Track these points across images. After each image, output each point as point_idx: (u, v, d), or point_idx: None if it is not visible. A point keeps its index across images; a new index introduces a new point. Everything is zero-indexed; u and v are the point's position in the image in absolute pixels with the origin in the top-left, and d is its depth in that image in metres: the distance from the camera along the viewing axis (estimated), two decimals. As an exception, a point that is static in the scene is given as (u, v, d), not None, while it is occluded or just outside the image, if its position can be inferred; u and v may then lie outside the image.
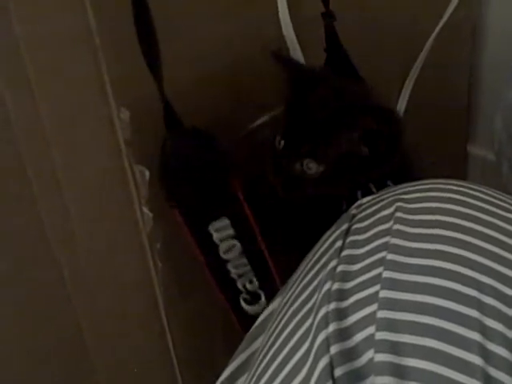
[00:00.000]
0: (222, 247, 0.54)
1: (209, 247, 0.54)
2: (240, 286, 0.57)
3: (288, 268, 0.48)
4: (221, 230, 0.53)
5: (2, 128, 0.48)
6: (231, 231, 0.54)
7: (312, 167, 0.51)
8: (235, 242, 0.54)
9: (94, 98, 0.49)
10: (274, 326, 0.43)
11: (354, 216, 0.45)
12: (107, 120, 0.50)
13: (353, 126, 0.50)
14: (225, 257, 0.55)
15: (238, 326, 0.59)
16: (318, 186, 0.52)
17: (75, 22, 0.46)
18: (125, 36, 0.47)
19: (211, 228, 0.53)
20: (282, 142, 0.51)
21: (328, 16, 0.57)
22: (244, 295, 0.58)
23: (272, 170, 0.52)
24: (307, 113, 0.51)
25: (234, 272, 0.56)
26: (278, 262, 0.57)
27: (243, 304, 0.58)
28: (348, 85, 0.55)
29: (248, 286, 0.57)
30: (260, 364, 0.42)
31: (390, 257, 0.39)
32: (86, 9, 0.46)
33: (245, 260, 0.56)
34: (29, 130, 0.49)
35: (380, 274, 0.38)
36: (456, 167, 0.91)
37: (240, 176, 0.53)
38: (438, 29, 0.71)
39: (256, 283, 0.57)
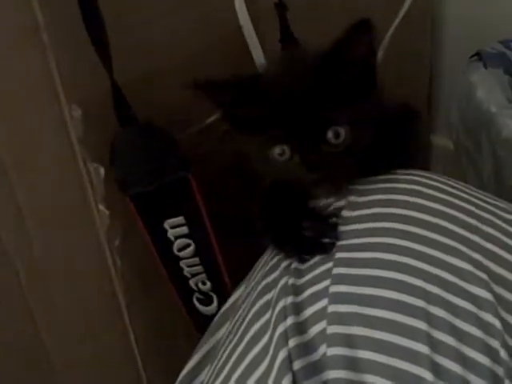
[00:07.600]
0: (176, 244, 0.53)
1: (163, 242, 0.53)
2: (193, 285, 0.56)
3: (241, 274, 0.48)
4: (176, 228, 0.53)
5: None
6: (186, 230, 0.53)
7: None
8: (189, 241, 0.54)
9: (43, 95, 0.48)
10: (237, 316, 0.44)
11: None
12: (58, 118, 0.49)
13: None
14: (178, 254, 0.54)
15: (192, 325, 0.59)
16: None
17: (22, 17, 0.45)
18: (74, 32, 0.46)
19: (166, 224, 0.52)
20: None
21: (281, 6, 0.57)
22: (197, 295, 0.57)
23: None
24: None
25: (186, 270, 0.55)
26: (232, 267, 0.56)
27: (197, 304, 0.58)
28: None
29: (201, 286, 0.56)
30: (222, 355, 0.42)
31: (339, 255, 0.40)
32: (32, 4, 0.45)
33: (198, 260, 0.55)
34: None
35: (330, 270, 0.39)
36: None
37: (197, 174, 0.52)
38: (396, 22, 0.71)
39: (208, 285, 0.57)
